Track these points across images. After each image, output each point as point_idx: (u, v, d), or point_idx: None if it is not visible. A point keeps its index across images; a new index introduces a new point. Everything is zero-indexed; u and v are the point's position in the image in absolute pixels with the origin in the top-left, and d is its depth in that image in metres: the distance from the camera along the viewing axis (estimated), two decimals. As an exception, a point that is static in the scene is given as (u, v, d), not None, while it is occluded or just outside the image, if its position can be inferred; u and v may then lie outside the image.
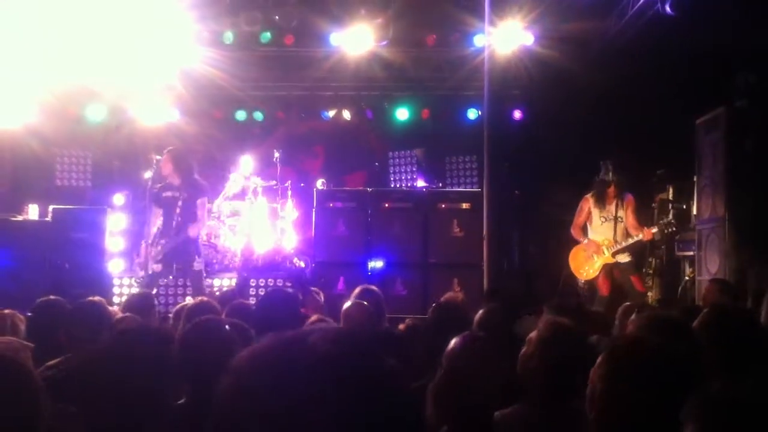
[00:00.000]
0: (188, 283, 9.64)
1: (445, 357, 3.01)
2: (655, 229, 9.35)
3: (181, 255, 9.08)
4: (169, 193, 9.11)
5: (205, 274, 9.81)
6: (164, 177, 9.15)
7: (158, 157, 9.68)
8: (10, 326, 5.12)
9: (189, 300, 9.59)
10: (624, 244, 9.24)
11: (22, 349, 3.85)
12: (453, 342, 3.07)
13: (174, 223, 9.02)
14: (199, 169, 9.82)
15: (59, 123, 11.82)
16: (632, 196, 9.43)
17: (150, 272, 9.00)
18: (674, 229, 9.49)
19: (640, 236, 9.19)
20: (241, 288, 9.65)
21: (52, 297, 5.30)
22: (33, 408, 2.12)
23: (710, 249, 9.10)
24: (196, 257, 9.27)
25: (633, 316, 4.41)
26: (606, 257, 9.27)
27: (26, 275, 8.99)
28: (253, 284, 10.22)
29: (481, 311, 5.01)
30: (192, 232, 9.10)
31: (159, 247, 9.02)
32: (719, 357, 3.01)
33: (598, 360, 2.42)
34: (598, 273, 9.30)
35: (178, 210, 9.04)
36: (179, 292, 9.89)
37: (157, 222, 9.33)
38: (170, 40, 10.24)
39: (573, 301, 5.25)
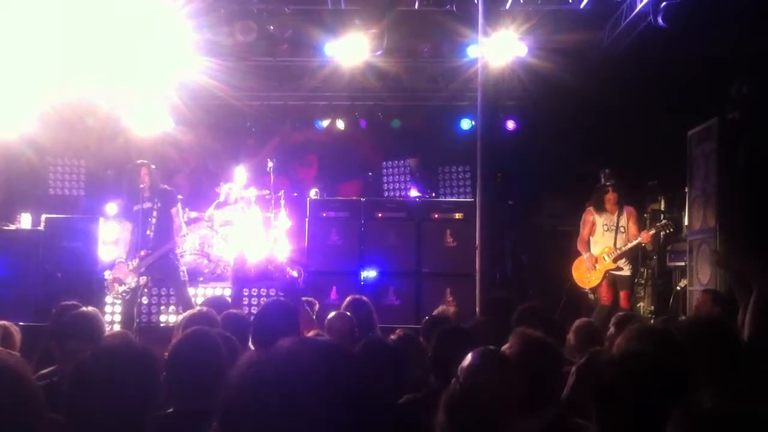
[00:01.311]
0: (171, 292, 9.65)
1: (462, 372, 3.01)
2: (653, 231, 9.44)
3: (165, 267, 9.09)
4: (140, 206, 9.07)
5: (188, 284, 9.83)
6: (139, 189, 9.08)
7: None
8: (1, 337, 5.10)
9: (172, 309, 9.68)
10: (624, 248, 9.33)
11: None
12: (470, 357, 3.07)
13: (151, 234, 8.99)
14: (192, 178, 9.88)
15: (53, 132, 11.82)
16: (633, 208, 9.56)
17: (133, 285, 8.96)
18: (671, 230, 9.62)
19: (639, 240, 9.29)
20: (235, 299, 9.63)
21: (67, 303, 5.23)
22: (32, 418, 2.12)
23: (701, 259, 9.14)
24: (179, 267, 9.29)
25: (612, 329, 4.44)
26: (607, 263, 9.36)
27: (19, 284, 8.98)
28: (246, 293, 10.21)
29: (479, 320, 5.02)
30: (172, 243, 9.11)
31: (137, 260, 8.97)
32: (705, 367, 3.02)
33: (585, 372, 2.44)
34: (600, 280, 9.37)
35: (153, 221, 9.02)
36: (162, 302, 9.89)
37: (127, 237, 9.30)
38: (166, 50, 10.25)
39: (540, 309, 5.24)
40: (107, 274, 9.26)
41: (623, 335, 3.37)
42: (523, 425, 3.24)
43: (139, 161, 9.39)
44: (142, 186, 9.05)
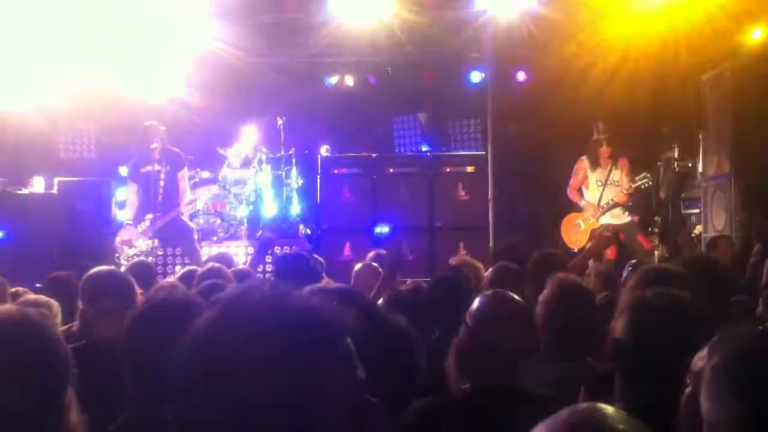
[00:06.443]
0: (178, 252, 9.69)
1: (470, 315, 3.02)
2: (631, 189, 9.13)
3: (176, 228, 9.10)
4: (148, 168, 9.08)
5: (201, 247, 9.83)
6: (150, 151, 9.09)
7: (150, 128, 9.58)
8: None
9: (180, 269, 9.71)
10: (606, 207, 9.12)
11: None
12: (478, 300, 3.07)
13: (160, 197, 9.00)
14: (203, 138, 9.84)
15: (62, 96, 11.78)
16: (626, 159, 9.28)
17: (144, 249, 8.99)
18: (651, 182, 9.36)
19: (615, 199, 9.05)
20: (259, 255, 9.54)
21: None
22: (60, 378, 2.04)
23: (716, 206, 9.10)
24: (191, 228, 9.30)
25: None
26: (591, 223, 9.20)
27: (33, 248, 9.03)
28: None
29: (491, 269, 5.05)
30: (182, 207, 9.11)
31: (147, 222, 9.00)
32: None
33: (623, 313, 2.44)
34: (587, 240, 9.15)
35: (162, 183, 9.03)
36: (177, 262, 9.92)
37: (134, 199, 9.30)
38: (173, 13, 10.17)
39: (557, 257, 5.24)
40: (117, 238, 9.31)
41: (632, 278, 3.34)
42: (544, 371, 3.24)
43: (147, 123, 9.38)
44: (153, 147, 9.07)
